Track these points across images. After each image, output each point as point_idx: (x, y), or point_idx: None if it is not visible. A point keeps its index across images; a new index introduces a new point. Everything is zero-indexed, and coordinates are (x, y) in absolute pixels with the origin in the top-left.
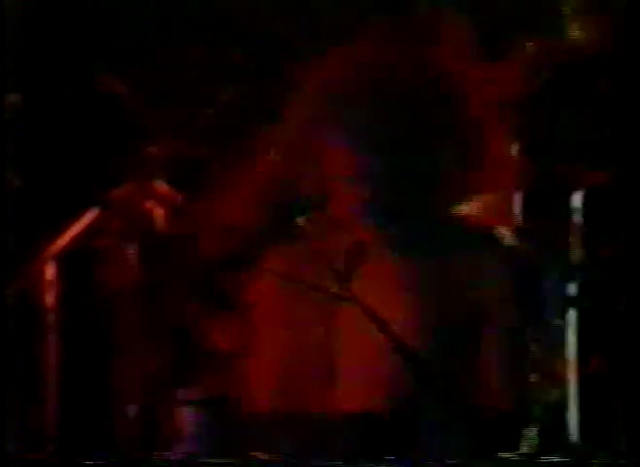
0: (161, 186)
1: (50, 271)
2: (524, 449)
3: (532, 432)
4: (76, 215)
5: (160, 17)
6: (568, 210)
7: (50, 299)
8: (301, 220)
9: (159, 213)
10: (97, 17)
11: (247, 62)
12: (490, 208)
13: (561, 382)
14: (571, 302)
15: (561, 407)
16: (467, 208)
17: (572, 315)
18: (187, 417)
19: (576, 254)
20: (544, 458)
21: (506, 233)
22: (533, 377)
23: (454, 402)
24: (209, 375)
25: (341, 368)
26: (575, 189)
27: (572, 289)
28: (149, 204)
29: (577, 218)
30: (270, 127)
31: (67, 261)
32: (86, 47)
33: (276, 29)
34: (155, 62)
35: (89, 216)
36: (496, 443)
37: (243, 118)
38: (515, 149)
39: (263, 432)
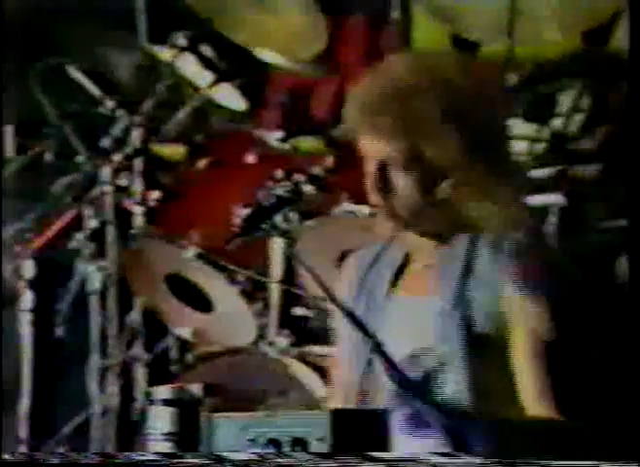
0: (139, 185)
1: (28, 270)
2: None
3: None
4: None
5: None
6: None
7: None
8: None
9: (136, 212)
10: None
11: (221, 62)
12: None
13: None
14: None
15: None
16: None
17: None
18: (162, 416)
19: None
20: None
21: None
22: None
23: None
24: (184, 373)
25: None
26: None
27: None
28: (127, 204)
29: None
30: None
31: (45, 259)
32: (60, 46)
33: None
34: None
35: (68, 215)
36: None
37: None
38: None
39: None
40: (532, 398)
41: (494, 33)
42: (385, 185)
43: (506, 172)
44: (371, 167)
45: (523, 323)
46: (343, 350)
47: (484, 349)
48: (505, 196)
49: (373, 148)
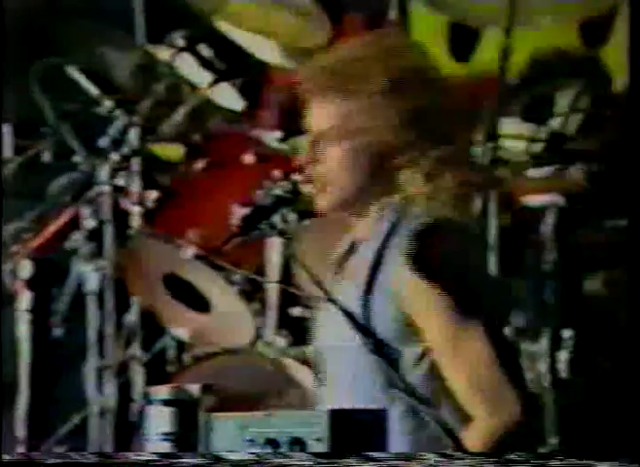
0: (136, 185)
1: (25, 270)
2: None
3: None
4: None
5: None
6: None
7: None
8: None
9: (134, 212)
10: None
11: (219, 62)
12: None
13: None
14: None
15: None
16: None
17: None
18: (160, 416)
19: None
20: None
21: None
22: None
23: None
24: (182, 373)
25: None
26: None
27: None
28: (125, 204)
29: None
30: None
31: (43, 259)
32: (58, 46)
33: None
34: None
35: (65, 215)
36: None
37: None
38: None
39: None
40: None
41: (492, 22)
42: (318, 157)
43: (456, 162)
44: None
45: (426, 308)
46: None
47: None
48: (445, 184)
49: (315, 119)
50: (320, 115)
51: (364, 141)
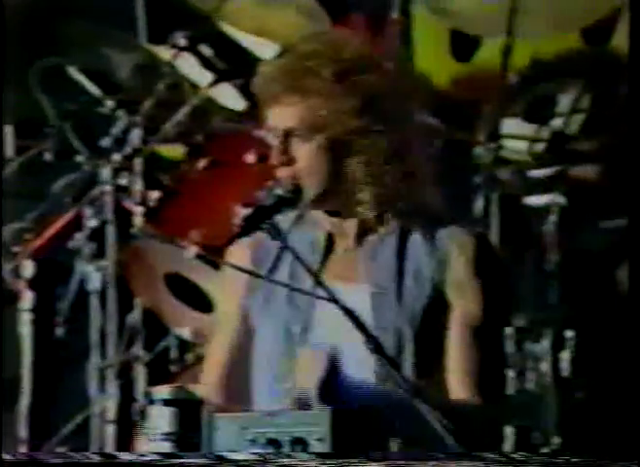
0: (139, 185)
1: (28, 270)
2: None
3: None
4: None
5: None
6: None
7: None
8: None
9: (136, 212)
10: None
11: (220, 62)
12: None
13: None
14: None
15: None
16: None
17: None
18: (162, 416)
19: None
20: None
21: None
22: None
23: (430, 400)
24: (184, 373)
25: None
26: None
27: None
28: (127, 204)
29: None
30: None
31: (45, 260)
32: (60, 46)
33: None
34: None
35: (68, 215)
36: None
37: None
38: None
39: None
40: (456, 380)
41: (494, 29)
42: (288, 156)
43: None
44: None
45: (460, 305)
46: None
47: (425, 334)
48: (393, 178)
49: (277, 119)
50: (283, 116)
51: (330, 135)
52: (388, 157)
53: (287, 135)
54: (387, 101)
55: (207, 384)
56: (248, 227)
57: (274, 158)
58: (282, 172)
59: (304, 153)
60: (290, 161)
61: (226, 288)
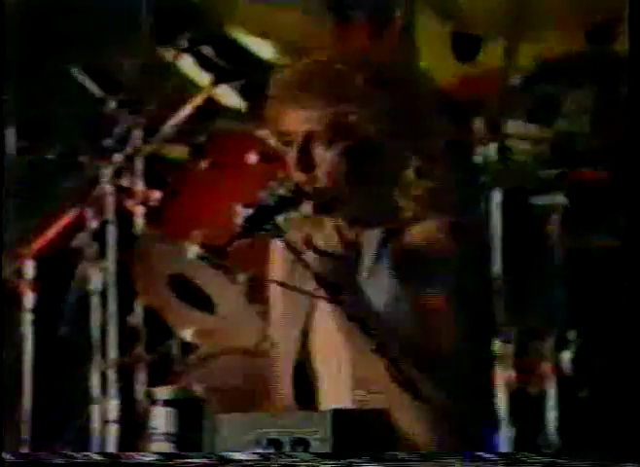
0: (140, 185)
1: (29, 270)
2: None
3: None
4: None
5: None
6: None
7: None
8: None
9: (138, 213)
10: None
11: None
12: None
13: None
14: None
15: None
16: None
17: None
18: (164, 416)
19: None
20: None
21: None
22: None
23: (433, 401)
24: (185, 373)
25: (320, 368)
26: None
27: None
28: (129, 204)
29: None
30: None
31: (46, 260)
32: (62, 46)
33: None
34: (129, 62)
35: (69, 215)
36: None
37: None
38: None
39: (235, 431)
40: None
41: (497, 30)
42: (309, 160)
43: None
44: (294, 143)
45: None
46: None
47: None
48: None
49: (296, 122)
50: (304, 120)
51: (354, 141)
52: (415, 163)
53: (307, 139)
54: (411, 108)
55: None
56: (250, 227)
57: (292, 162)
58: (300, 177)
59: (326, 158)
60: (310, 167)
61: None
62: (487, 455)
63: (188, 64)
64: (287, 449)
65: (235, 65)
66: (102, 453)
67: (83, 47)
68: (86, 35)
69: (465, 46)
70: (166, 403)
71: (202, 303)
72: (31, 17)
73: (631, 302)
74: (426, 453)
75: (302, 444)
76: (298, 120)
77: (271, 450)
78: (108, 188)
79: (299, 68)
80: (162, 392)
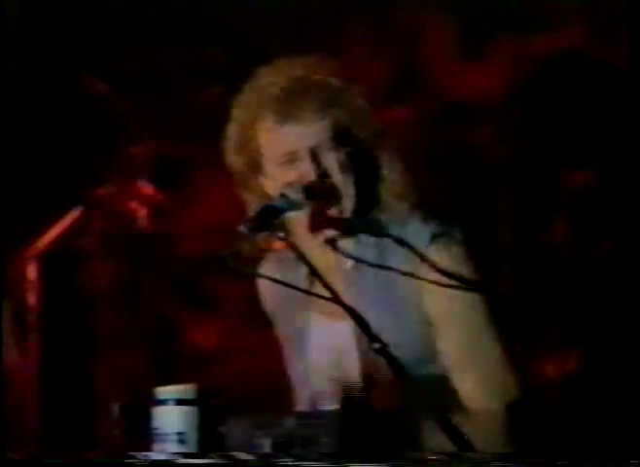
0: (145, 185)
1: (32, 271)
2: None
3: None
4: (59, 215)
5: (145, 16)
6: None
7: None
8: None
9: (142, 213)
10: (80, 18)
11: (230, 63)
12: None
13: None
14: None
15: None
16: None
17: None
18: (170, 416)
19: None
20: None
21: None
22: None
23: (432, 403)
24: (190, 373)
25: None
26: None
27: None
28: (132, 204)
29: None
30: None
31: (49, 260)
32: (69, 47)
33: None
34: (138, 62)
35: (72, 216)
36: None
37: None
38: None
39: (243, 432)
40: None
41: (499, 28)
42: (321, 171)
43: None
44: (300, 158)
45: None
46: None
47: None
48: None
49: (299, 136)
50: (305, 132)
51: (357, 147)
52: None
53: (314, 153)
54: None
55: None
56: (256, 227)
57: (305, 175)
58: (319, 185)
59: (334, 166)
60: (325, 176)
61: None
62: (486, 455)
63: (194, 64)
64: (295, 449)
65: (240, 64)
66: (107, 453)
67: (88, 46)
68: (90, 35)
69: (469, 45)
70: (173, 402)
71: (208, 303)
72: (40, 19)
73: (632, 301)
74: (428, 454)
75: (310, 444)
76: (297, 135)
77: (279, 451)
78: (112, 188)
79: (281, 80)
80: (169, 392)
